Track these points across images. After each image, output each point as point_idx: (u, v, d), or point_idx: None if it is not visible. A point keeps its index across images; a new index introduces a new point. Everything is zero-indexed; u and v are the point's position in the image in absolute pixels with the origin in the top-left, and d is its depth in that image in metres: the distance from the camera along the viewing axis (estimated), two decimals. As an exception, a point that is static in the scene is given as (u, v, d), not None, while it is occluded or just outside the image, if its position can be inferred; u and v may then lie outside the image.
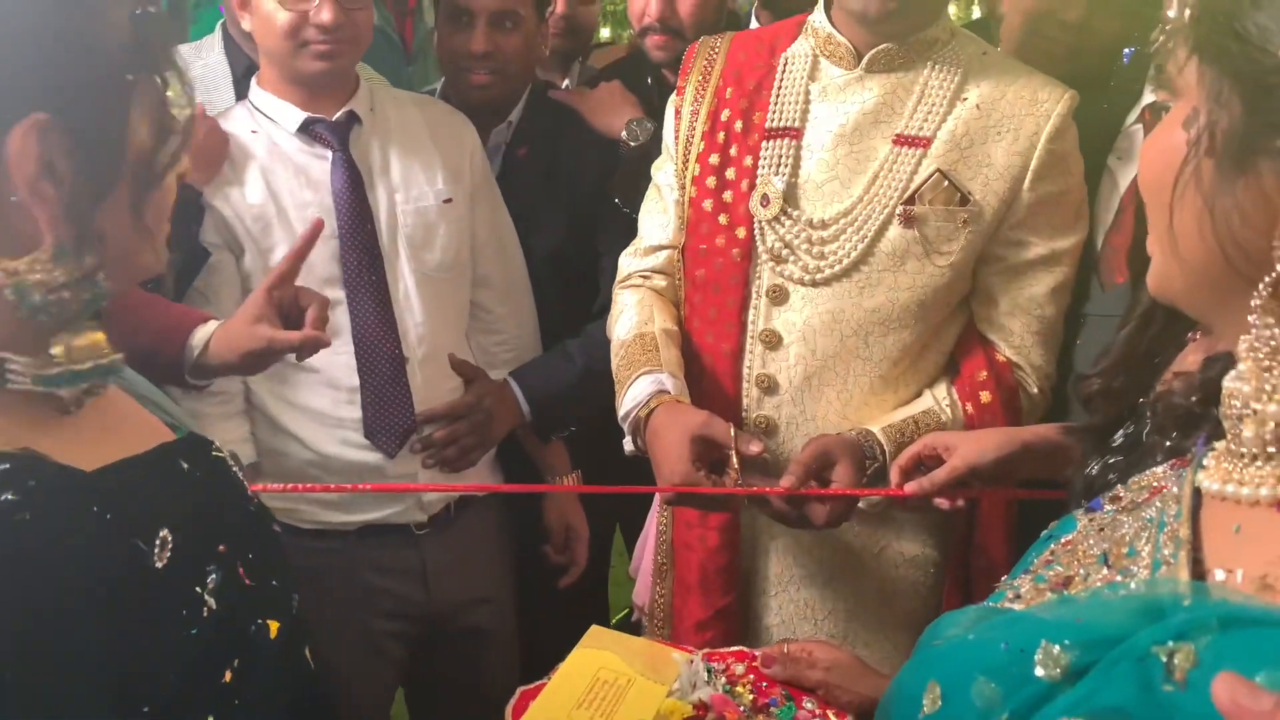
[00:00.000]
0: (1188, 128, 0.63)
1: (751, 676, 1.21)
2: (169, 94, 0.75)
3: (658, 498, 1.72)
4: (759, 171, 1.56)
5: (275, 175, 1.76)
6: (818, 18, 1.57)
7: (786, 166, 1.54)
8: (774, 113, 1.57)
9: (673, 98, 1.69)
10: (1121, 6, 1.66)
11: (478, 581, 1.96)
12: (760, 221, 1.55)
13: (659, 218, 1.70)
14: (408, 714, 2.25)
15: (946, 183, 1.48)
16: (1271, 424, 0.60)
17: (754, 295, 1.57)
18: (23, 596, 0.61)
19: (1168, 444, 0.75)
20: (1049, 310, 1.54)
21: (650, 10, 2.23)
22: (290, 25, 1.68)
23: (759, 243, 1.55)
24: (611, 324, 1.69)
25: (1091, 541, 0.71)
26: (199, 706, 0.71)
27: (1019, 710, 0.61)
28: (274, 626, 0.80)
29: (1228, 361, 0.65)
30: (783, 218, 1.53)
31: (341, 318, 1.74)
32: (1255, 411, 0.60)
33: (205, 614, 0.72)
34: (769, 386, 1.57)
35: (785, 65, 1.59)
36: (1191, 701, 0.52)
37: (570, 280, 2.08)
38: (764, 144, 1.56)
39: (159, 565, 0.70)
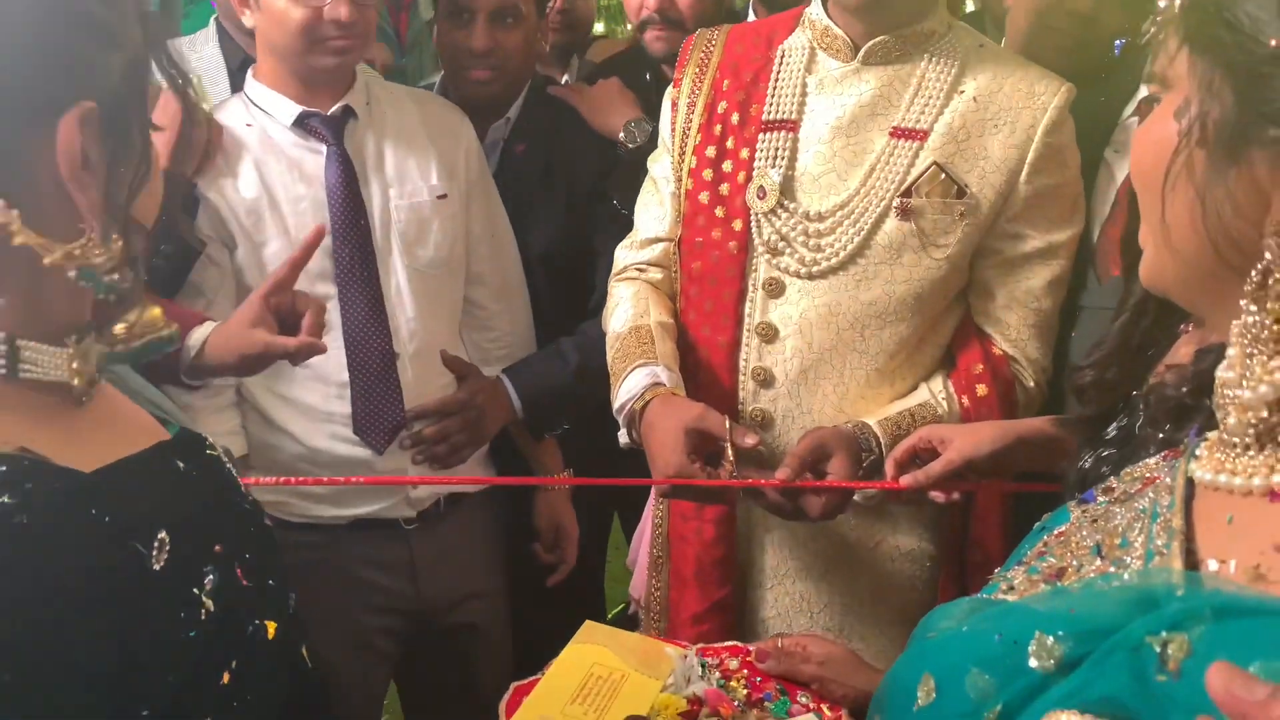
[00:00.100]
0: (1179, 118, 0.63)
1: (745, 671, 1.21)
2: (190, 91, 0.78)
3: (654, 491, 1.72)
4: (755, 164, 1.55)
5: (269, 169, 1.75)
6: (815, 10, 1.57)
7: (783, 159, 1.54)
8: (770, 105, 1.57)
9: (669, 90, 1.69)
10: None
11: (468, 577, 1.96)
12: (756, 214, 1.54)
13: (655, 210, 1.69)
14: (402, 711, 2.25)
15: (943, 175, 1.48)
16: (1252, 411, 0.60)
17: (750, 288, 1.57)
18: (21, 601, 0.61)
19: (1160, 436, 0.75)
20: (1046, 303, 1.54)
21: (649, 3, 2.23)
22: (305, 22, 1.67)
23: (755, 235, 1.55)
24: (607, 317, 1.68)
25: (1085, 533, 0.71)
26: (198, 709, 0.71)
27: (1013, 701, 0.61)
28: (271, 627, 0.80)
29: (1220, 352, 0.65)
30: (779, 210, 1.53)
31: (333, 313, 1.73)
32: (1236, 399, 0.60)
33: (203, 616, 0.72)
34: (765, 379, 1.57)
35: (782, 58, 1.58)
36: (1185, 691, 0.52)
37: (566, 278, 2.07)
38: (760, 136, 1.56)
39: (157, 567, 0.69)
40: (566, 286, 2.07)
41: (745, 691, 1.17)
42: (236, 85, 1.88)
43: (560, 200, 2.06)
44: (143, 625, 0.68)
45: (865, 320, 1.52)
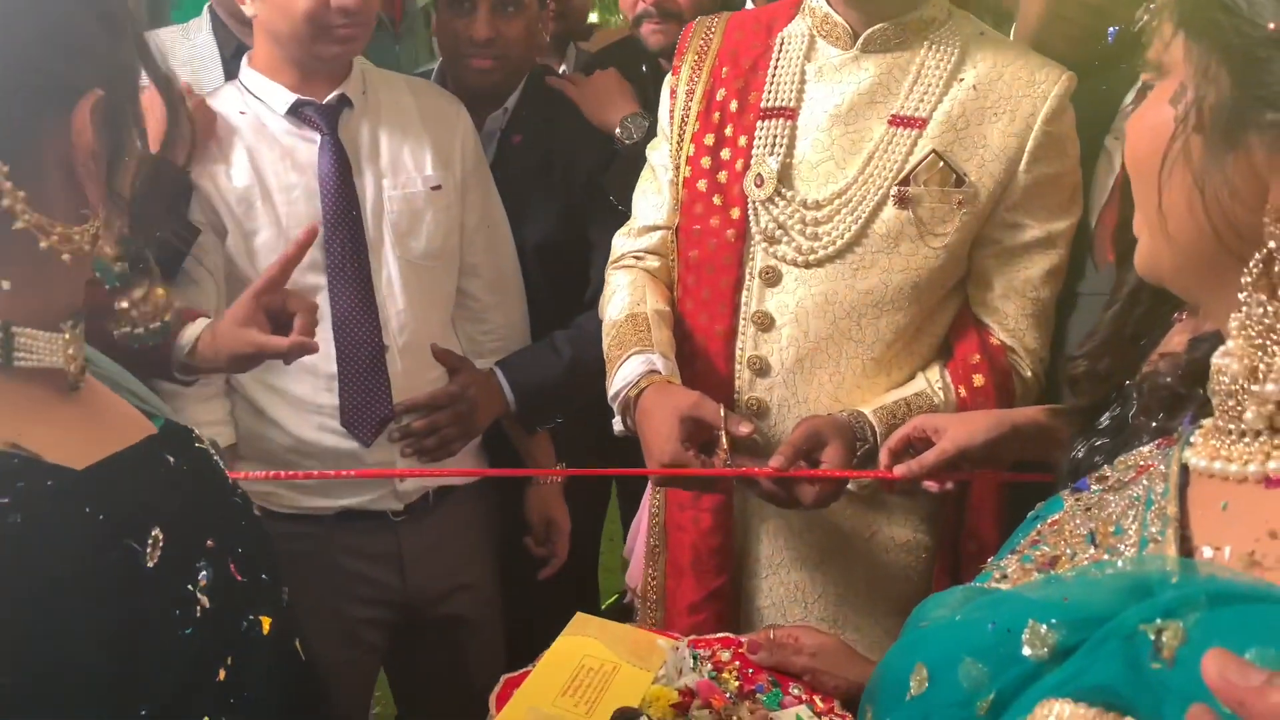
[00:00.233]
0: (1175, 104, 0.62)
1: (737, 663, 1.21)
2: (173, 85, 0.79)
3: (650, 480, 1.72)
4: (754, 151, 1.55)
5: (261, 157, 1.74)
6: (814, -3, 1.56)
7: (781, 147, 1.54)
8: (769, 92, 1.56)
9: (669, 77, 1.68)
10: None
11: (457, 569, 1.96)
12: (754, 202, 1.54)
13: (653, 198, 1.68)
14: (393, 703, 2.25)
15: (942, 164, 1.47)
16: (1272, 403, 0.59)
17: (747, 276, 1.56)
18: (17, 601, 0.61)
19: (1154, 425, 0.75)
20: (1043, 293, 1.53)
21: (645, -4, 2.21)
22: (312, 10, 1.65)
23: (753, 223, 1.54)
24: (604, 304, 1.68)
25: (1078, 521, 0.70)
26: (196, 707, 0.70)
27: (1006, 690, 0.61)
28: (266, 622, 0.79)
29: (1215, 341, 0.64)
30: (777, 198, 1.53)
31: (323, 304, 1.72)
32: (1255, 393, 0.60)
33: (198, 613, 0.72)
34: (761, 368, 1.56)
35: (782, 45, 1.58)
36: (1180, 679, 0.52)
37: (561, 271, 2.06)
38: (759, 124, 1.55)
39: (150, 565, 0.69)
40: (562, 279, 2.06)
41: (737, 683, 1.17)
42: (231, 73, 1.87)
43: (557, 192, 2.05)
44: (139, 624, 0.67)
45: (862, 309, 1.51)
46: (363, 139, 1.80)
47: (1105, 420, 0.82)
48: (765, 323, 1.55)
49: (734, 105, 1.58)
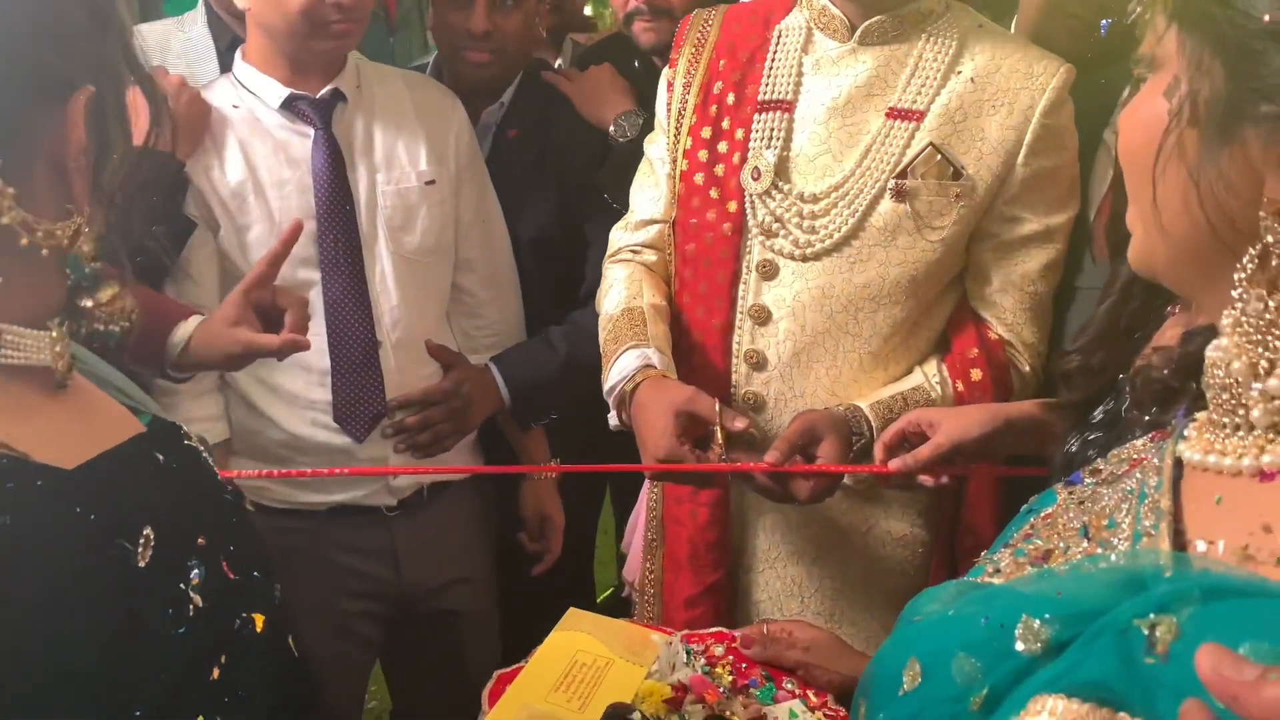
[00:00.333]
0: (1169, 97, 0.62)
1: (731, 658, 1.21)
2: (155, 84, 0.79)
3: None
4: (751, 145, 1.54)
5: (255, 151, 1.73)
6: (811, -10, 1.55)
7: (778, 140, 1.53)
8: (766, 85, 1.55)
9: (665, 70, 1.68)
10: None
11: (451, 564, 1.95)
12: (751, 195, 1.53)
13: (650, 192, 1.68)
14: (389, 697, 2.25)
15: (939, 157, 1.47)
16: (1276, 399, 0.59)
17: (744, 270, 1.55)
18: (8, 603, 0.60)
19: (1147, 419, 0.75)
20: (1041, 287, 1.53)
21: (636, -7, 2.20)
22: (308, 4, 1.64)
23: (750, 217, 1.54)
24: (600, 298, 1.67)
25: (1071, 515, 0.70)
26: (189, 706, 0.70)
27: (999, 685, 0.60)
28: (260, 620, 0.79)
29: (1208, 335, 0.64)
30: (774, 191, 1.52)
31: (315, 299, 1.71)
32: (1259, 391, 0.59)
33: (191, 612, 0.71)
34: (758, 362, 1.56)
35: (779, 37, 1.57)
36: (1174, 674, 0.51)
37: (556, 266, 2.05)
38: (756, 117, 1.55)
39: (142, 565, 0.68)
40: (557, 274, 2.05)
41: (730, 678, 1.17)
42: (226, 66, 1.86)
43: (552, 187, 2.04)
44: (132, 625, 0.67)
45: (859, 303, 1.51)
46: (357, 133, 1.79)
47: (1099, 414, 0.82)
48: (762, 317, 1.54)
49: (731, 98, 1.58)
